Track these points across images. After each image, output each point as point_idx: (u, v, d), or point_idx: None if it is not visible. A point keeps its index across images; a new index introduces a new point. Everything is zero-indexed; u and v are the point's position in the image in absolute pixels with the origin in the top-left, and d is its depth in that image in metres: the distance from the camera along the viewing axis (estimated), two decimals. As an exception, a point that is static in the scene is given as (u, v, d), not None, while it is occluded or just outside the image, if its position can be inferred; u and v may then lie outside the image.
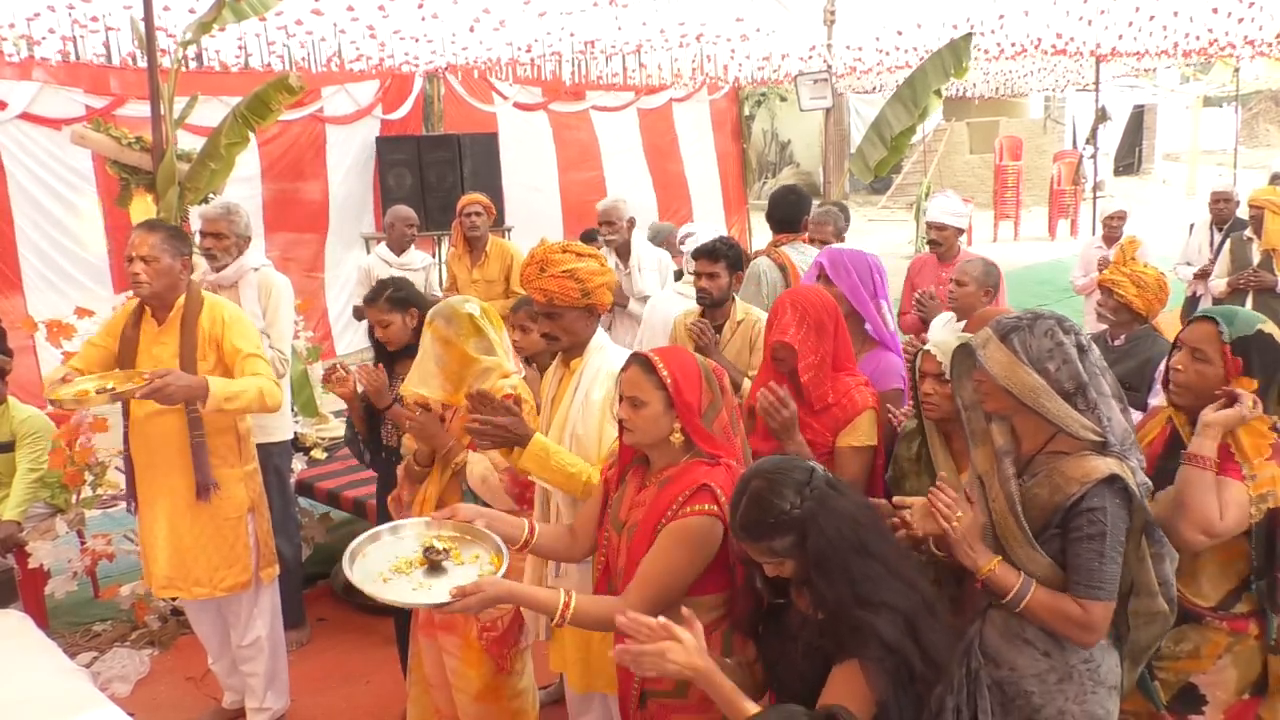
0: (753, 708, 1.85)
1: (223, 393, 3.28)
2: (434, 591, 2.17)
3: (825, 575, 1.88)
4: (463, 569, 2.26)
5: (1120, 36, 11.28)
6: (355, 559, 2.27)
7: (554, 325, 2.81)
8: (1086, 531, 2.05)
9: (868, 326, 3.34)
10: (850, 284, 3.30)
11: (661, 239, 6.43)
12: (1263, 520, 2.41)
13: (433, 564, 2.24)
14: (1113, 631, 2.17)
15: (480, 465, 2.93)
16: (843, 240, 5.16)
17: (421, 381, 3.00)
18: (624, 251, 5.43)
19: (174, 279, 3.41)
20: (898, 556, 1.97)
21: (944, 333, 4.15)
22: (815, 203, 5.40)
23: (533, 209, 10.25)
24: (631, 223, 5.55)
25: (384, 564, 2.27)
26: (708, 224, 6.72)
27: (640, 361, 2.30)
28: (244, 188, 7.77)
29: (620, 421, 2.32)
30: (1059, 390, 2.09)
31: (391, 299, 3.46)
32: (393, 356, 3.54)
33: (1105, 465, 2.07)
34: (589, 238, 6.11)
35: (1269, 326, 2.52)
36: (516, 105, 10.50)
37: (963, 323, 4.14)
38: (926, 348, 2.77)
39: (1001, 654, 2.20)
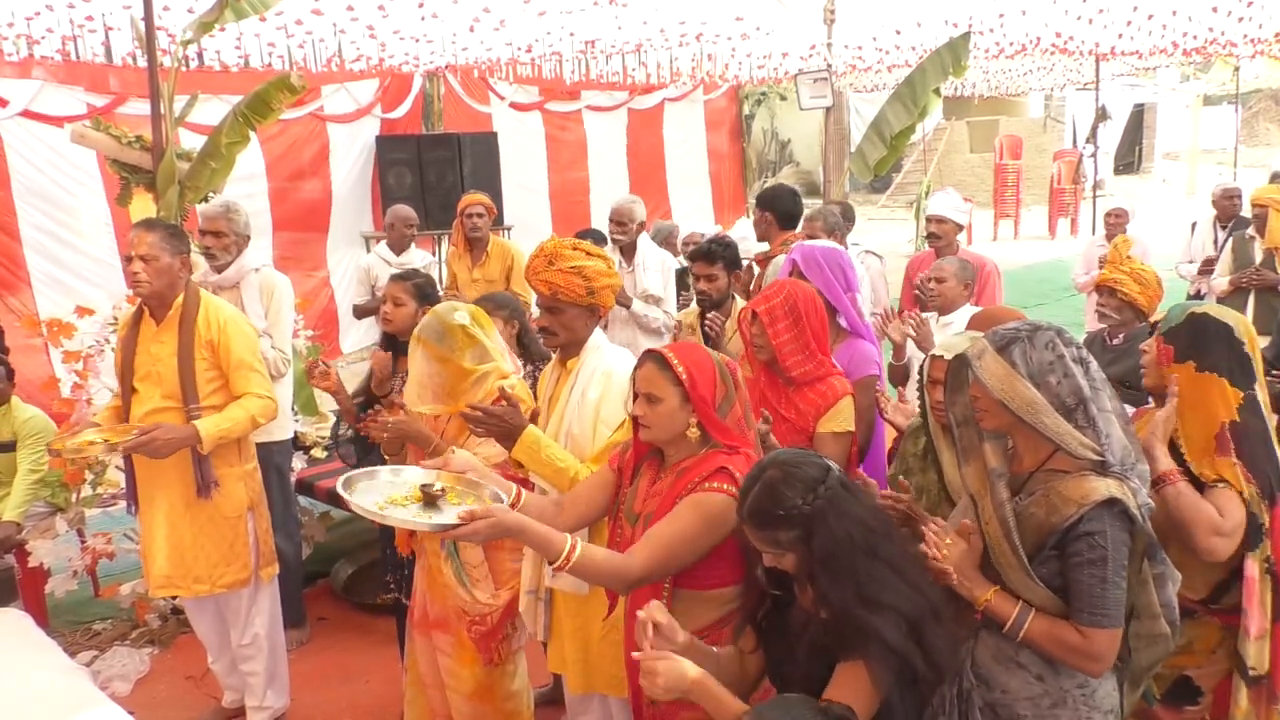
0: (741, 706, 1.86)
1: (215, 433, 3.39)
2: (444, 515, 2.11)
3: (831, 575, 1.87)
4: (459, 508, 2.19)
5: (1120, 35, 11.26)
6: (351, 489, 2.21)
7: (554, 320, 2.80)
8: (1087, 556, 1.97)
9: (841, 320, 3.49)
10: (824, 279, 3.44)
11: (662, 238, 6.43)
12: None
13: (428, 499, 2.18)
14: None
15: (469, 462, 2.92)
16: (843, 240, 5.18)
17: (419, 399, 2.98)
18: (629, 251, 5.43)
19: (173, 277, 3.42)
20: (906, 561, 1.95)
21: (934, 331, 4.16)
22: (818, 202, 5.44)
23: (525, 209, 10.27)
24: (642, 225, 5.55)
25: (379, 498, 2.22)
26: (710, 225, 6.72)
27: (655, 358, 2.30)
28: (247, 186, 7.76)
29: (635, 418, 2.32)
30: (1058, 405, 2.01)
31: (419, 286, 3.53)
32: (395, 350, 3.55)
33: (1104, 487, 1.99)
34: (583, 239, 6.10)
35: (1200, 309, 2.56)
36: (513, 105, 10.50)
37: (946, 319, 4.21)
38: (937, 352, 2.74)
39: (994, 676, 2.13)
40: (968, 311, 4.21)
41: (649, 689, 1.88)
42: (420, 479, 2.33)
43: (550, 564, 2.12)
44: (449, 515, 2.10)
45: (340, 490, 2.20)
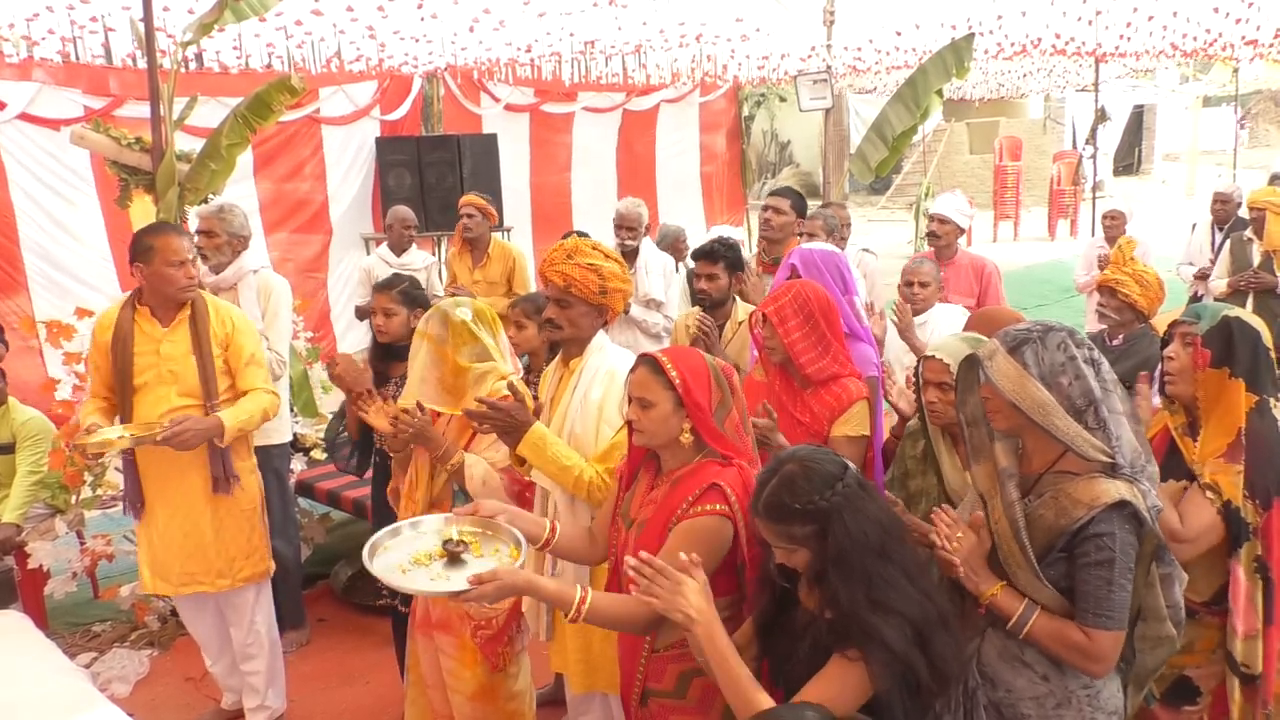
0: (766, 700, 1.84)
1: (236, 424, 3.44)
2: (451, 581, 2.14)
3: (842, 573, 1.87)
4: (482, 561, 2.21)
5: (1120, 37, 11.28)
6: (376, 552, 2.25)
7: (561, 313, 2.80)
8: (1094, 558, 1.97)
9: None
10: (823, 281, 3.44)
11: (669, 243, 6.42)
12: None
13: (452, 556, 2.21)
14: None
15: (480, 467, 2.92)
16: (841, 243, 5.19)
17: (418, 391, 2.97)
18: (630, 254, 5.42)
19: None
20: (917, 567, 1.95)
21: (923, 334, 4.20)
22: (816, 204, 5.45)
23: (518, 210, 10.26)
24: (647, 228, 5.54)
25: (404, 557, 2.25)
26: (725, 228, 6.71)
27: (648, 362, 2.29)
28: (240, 187, 7.75)
29: (629, 423, 2.31)
30: (1069, 407, 1.99)
31: (405, 292, 3.52)
32: (388, 356, 3.54)
33: (1115, 489, 1.98)
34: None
35: (1233, 312, 2.57)
36: (507, 108, 10.48)
37: (920, 319, 4.30)
38: (930, 353, 2.74)
39: (999, 675, 2.13)
40: (939, 309, 4.39)
41: (665, 602, 1.84)
42: (442, 529, 2.33)
43: (566, 616, 2.11)
44: (462, 579, 2.11)
45: (365, 557, 2.22)
